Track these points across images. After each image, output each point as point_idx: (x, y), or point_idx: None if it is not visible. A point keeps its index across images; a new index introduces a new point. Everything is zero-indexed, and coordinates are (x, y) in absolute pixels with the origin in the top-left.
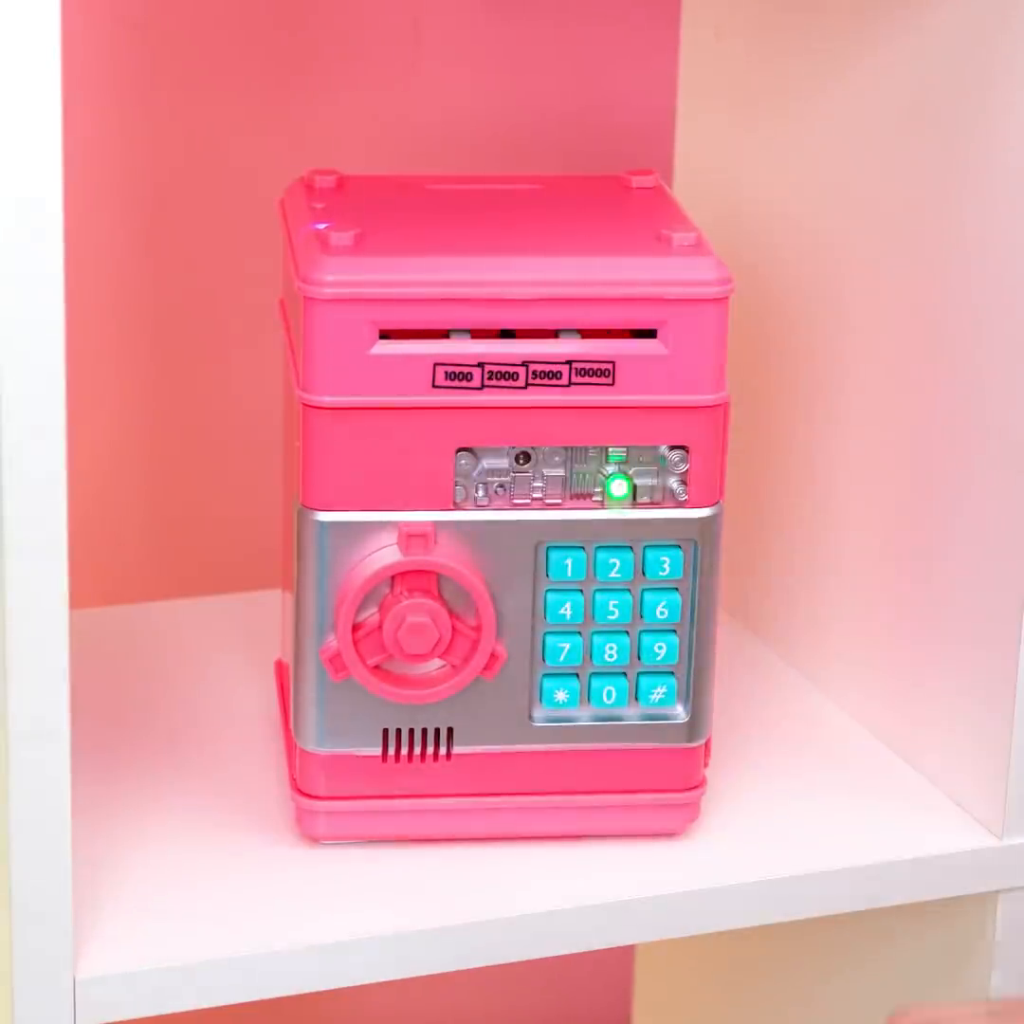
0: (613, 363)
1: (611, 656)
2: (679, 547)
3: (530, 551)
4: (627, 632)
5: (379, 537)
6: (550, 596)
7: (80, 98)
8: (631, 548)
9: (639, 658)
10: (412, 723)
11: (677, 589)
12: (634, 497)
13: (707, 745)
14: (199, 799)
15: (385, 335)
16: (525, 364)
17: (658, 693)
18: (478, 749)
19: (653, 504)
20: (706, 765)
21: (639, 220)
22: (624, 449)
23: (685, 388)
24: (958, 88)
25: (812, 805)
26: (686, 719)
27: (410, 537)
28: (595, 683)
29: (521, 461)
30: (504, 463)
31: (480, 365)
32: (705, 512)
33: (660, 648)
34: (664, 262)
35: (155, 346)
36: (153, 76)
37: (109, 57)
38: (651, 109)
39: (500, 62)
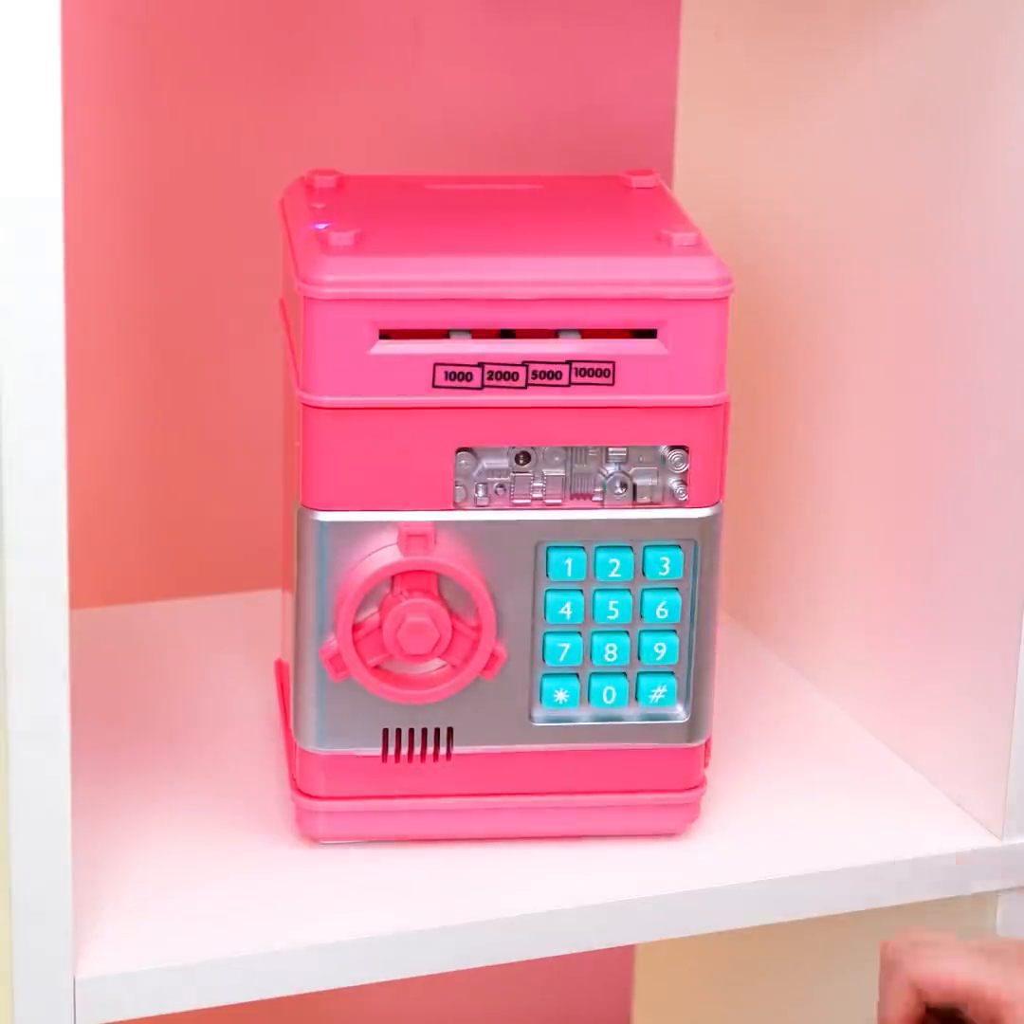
0: (613, 363)
1: (611, 656)
2: (679, 547)
3: (530, 551)
4: (627, 632)
5: (379, 537)
6: (550, 596)
7: (80, 98)
8: (631, 548)
9: (639, 658)
10: (412, 723)
11: (677, 589)
12: (634, 497)
13: (707, 745)
14: (199, 799)
15: (385, 335)
16: (525, 364)
17: (658, 693)
18: (478, 749)
19: (653, 504)
20: (706, 765)
21: (639, 220)
22: (624, 449)
23: (685, 388)
24: (958, 88)
25: (812, 805)
26: (686, 719)
27: (410, 537)
28: (595, 683)
29: (521, 461)
30: (504, 463)
31: (480, 365)
32: (705, 512)
33: (660, 648)
34: (664, 262)
35: (155, 346)
36: (153, 76)
37: (109, 57)
38: (651, 109)
39: (500, 62)
